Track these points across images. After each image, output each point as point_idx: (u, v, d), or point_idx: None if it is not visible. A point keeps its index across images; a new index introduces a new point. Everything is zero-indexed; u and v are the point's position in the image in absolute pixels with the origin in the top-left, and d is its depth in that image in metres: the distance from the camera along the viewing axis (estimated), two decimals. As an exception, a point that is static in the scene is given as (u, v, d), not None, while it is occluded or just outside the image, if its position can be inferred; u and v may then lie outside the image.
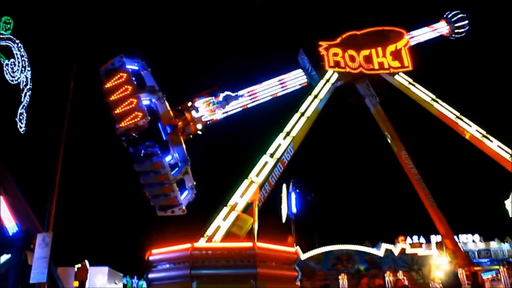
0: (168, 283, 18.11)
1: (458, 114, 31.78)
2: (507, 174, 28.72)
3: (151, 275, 19.01)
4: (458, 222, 32.19)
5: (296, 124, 28.70)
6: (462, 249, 32.66)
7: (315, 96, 30.57)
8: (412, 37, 34.68)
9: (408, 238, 37.74)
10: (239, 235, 22.36)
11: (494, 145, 29.88)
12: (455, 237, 33.87)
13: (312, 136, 31.46)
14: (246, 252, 17.81)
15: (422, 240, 42.22)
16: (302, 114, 29.29)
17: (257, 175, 25.54)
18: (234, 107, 27.45)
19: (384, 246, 32.55)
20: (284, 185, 24.96)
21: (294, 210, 23.67)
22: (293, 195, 23.93)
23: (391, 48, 33.43)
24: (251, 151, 30.64)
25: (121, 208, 46.49)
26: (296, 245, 24.30)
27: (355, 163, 45.88)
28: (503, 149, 29.67)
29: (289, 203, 23.83)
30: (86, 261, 23.66)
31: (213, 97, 25.34)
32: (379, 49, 33.32)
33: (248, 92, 28.15)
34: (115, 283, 26.59)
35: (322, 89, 31.35)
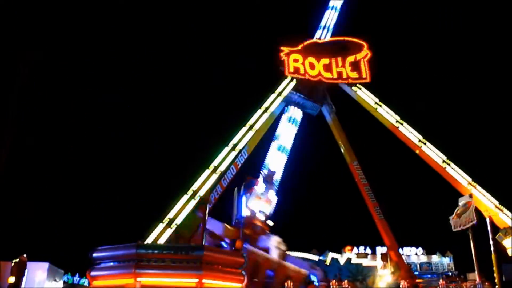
0: (111, 281, 17.55)
1: (421, 137, 32.01)
2: (452, 190, 29.55)
3: (93, 273, 18.37)
4: (403, 234, 32.87)
5: (252, 128, 28.64)
6: (405, 261, 33.39)
7: (271, 102, 30.69)
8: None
9: (355, 248, 38.26)
10: (186, 235, 21.99)
11: (440, 160, 30.61)
12: (400, 249, 34.58)
13: (266, 141, 31.54)
14: (193, 253, 17.49)
15: (368, 250, 42.94)
16: (257, 119, 29.30)
17: (209, 176, 25.26)
18: (274, 180, 30.60)
19: (331, 255, 32.89)
20: (236, 188, 24.75)
21: (244, 214, 23.49)
22: (243, 199, 23.75)
23: (350, 59, 33.88)
24: (205, 152, 30.32)
25: (64, 202, 45.03)
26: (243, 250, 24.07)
27: (307, 171, 46.18)
28: (449, 165, 30.42)
29: (239, 207, 23.63)
30: (25, 256, 22.64)
31: (254, 188, 28.49)
32: (339, 59, 33.73)
33: None
34: (55, 280, 25.53)
35: (279, 95, 31.47)
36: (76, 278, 38.59)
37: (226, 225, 26.03)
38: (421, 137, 31.40)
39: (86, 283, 31.57)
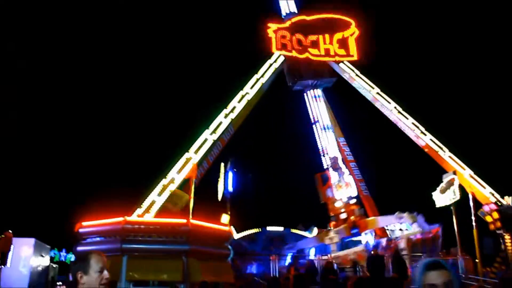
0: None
1: (396, 105, 32.31)
2: (436, 166, 29.91)
3: (80, 248, 18.37)
4: (387, 210, 33.21)
5: (239, 104, 28.58)
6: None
7: (259, 78, 30.52)
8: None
9: (340, 223, 38.60)
10: (173, 211, 22.05)
11: (427, 138, 30.88)
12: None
13: (254, 116, 31.50)
14: (179, 228, 17.56)
15: (353, 226, 43.48)
16: (244, 95, 29.18)
17: (196, 152, 25.27)
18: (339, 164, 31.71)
19: (316, 230, 33.23)
20: (222, 164, 24.81)
21: (230, 189, 23.59)
22: (230, 174, 23.83)
23: (338, 36, 33.78)
24: (191, 127, 30.26)
25: (50, 176, 44.78)
26: (230, 224, 24.27)
27: (294, 147, 46.35)
28: (434, 142, 30.72)
29: (225, 182, 23.74)
30: (10, 232, 22.57)
31: (330, 181, 30.76)
32: (327, 36, 33.61)
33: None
34: (42, 256, 25.53)
35: (267, 72, 31.33)
36: (63, 254, 38.67)
37: None
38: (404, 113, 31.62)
39: (73, 259, 31.66)
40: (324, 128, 34.45)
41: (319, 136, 34.60)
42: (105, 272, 3.28)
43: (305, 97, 36.05)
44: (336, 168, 31.90)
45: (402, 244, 26.75)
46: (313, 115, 35.36)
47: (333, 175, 31.58)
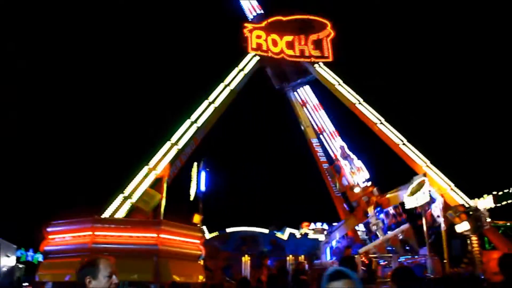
0: (66, 256, 17.25)
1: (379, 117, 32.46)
2: (407, 168, 30.33)
3: (48, 248, 18.03)
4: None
5: (213, 103, 28.47)
6: (360, 237, 34.19)
7: (234, 78, 30.48)
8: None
9: (312, 224, 38.86)
10: (145, 210, 21.81)
11: (397, 139, 31.22)
12: (356, 226, 35.39)
13: (228, 116, 31.42)
14: (151, 227, 17.39)
15: (326, 226, 43.72)
16: (218, 94, 29.11)
17: (168, 150, 25.06)
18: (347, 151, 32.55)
19: (289, 230, 33.30)
20: (195, 163, 24.63)
21: (203, 188, 23.43)
22: (203, 174, 23.67)
23: (313, 37, 33.94)
24: (165, 126, 29.99)
25: (17, 173, 43.75)
26: (202, 224, 24.12)
27: (268, 147, 46.40)
28: (406, 145, 31.11)
29: (198, 182, 23.56)
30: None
31: (343, 170, 31.77)
32: (302, 36, 33.73)
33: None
34: (7, 256, 24.92)
35: (242, 71, 31.30)
36: (30, 254, 37.84)
37: None
38: (379, 116, 31.94)
39: (40, 258, 30.98)
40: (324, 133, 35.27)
41: (317, 126, 35.39)
42: (114, 277, 3.27)
43: (293, 95, 36.68)
44: (345, 156, 32.58)
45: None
46: (305, 108, 36.10)
47: (344, 164, 32.22)
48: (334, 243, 31.58)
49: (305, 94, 36.61)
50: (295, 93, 36.63)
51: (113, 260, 3.44)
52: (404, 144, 30.86)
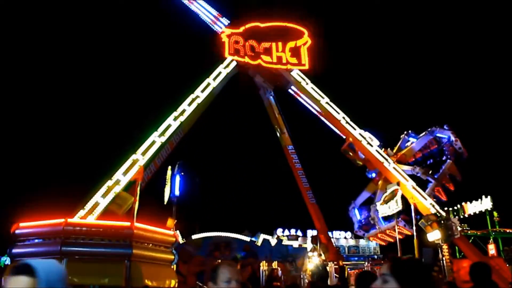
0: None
1: (344, 115, 32.83)
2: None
3: (16, 250, 17.58)
4: (332, 219, 33.87)
5: (189, 107, 28.30)
6: (334, 244, 34.38)
7: (211, 82, 30.37)
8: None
9: (286, 230, 39.04)
10: (117, 214, 21.47)
11: (373, 149, 31.57)
12: (329, 232, 35.62)
13: (203, 121, 31.30)
14: (123, 231, 17.13)
15: (299, 233, 43.89)
16: (195, 98, 28.94)
17: (143, 154, 24.78)
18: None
19: (262, 236, 33.31)
20: (170, 167, 24.40)
21: (177, 193, 23.21)
22: (177, 178, 23.46)
23: (291, 44, 34.03)
24: (139, 128, 29.71)
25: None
26: (175, 229, 23.87)
27: (243, 153, 46.42)
28: (380, 153, 31.47)
29: (172, 186, 23.33)
30: None
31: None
32: (280, 43, 33.79)
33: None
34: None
35: (219, 76, 31.21)
36: (-3, 256, 36.91)
37: None
38: (351, 123, 32.31)
39: (7, 261, 30.23)
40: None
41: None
42: (233, 282, 3.36)
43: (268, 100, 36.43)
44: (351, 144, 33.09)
45: None
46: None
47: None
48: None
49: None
50: (270, 97, 36.43)
51: (234, 265, 3.58)
52: (377, 151, 31.27)
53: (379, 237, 34.20)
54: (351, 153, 32.90)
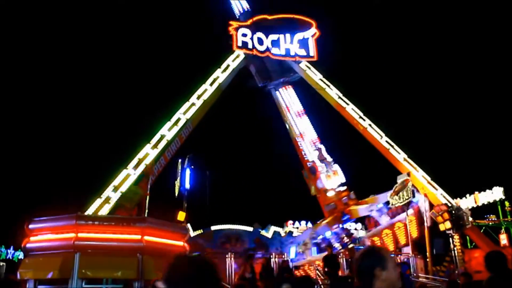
0: (49, 254, 16.98)
1: (353, 107, 32.69)
2: (391, 168, 30.57)
3: (30, 245, 17.72)
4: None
5: (198, 100, 28.39)
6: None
7: (219, 75, 30.43)
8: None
9: (296, 222, 38.98)
10: (128, 207, 21.64)
11: (383, 140, 31.43)
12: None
13: (213, 115, 31.38)
14: (134, 225, 17.22)
15: (310, 225, 43.89)
16: (203, 92, 29.02)
17: (153, 148, 24.91)
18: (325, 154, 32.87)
19: (273, 228, 33.37)
20: (180, 160, 24.52)
21: (187, 186, 23.33)
22: (187, 171, 23.57)
23: (299, 36, 33.99)
24: (149, 124, 29.83)
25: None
26: (186, 222, 24.02)
27: (253, 146, 46.42)
28: (390, 144, 31.32)
29: (182, 179, 23.45)
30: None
31: (319, 172, 31.56)
32: (288, 35, 33.77)
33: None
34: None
35: (227, 69, 31.25)
36: (10, 251, 37.36)
37: None
38: (362, 115, 32.18)
39: (21, 256, 30.56)
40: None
41: (299, 131, 34.91)
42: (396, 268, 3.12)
43: (277, 94, 36.29)
44: (322, 159, 32.63)
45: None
46: (288, 112, 35.68)
47: (320, 166, 32.21)
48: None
49: (288, 97, 36.30)
50: (277, 92, 36.43)
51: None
52: (387, 142, 31.15)
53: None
54: (310, 177, 32.70)
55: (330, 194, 31.96)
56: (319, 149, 33.27)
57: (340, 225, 30.73)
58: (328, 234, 30.43)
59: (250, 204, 42.57)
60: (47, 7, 56.46)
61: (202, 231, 31.80)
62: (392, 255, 25.79)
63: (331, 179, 31.85)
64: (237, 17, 35.79)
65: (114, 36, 64.98)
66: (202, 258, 2.76)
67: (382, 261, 3.07)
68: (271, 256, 23.53)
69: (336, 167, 32.36)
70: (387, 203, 28.14)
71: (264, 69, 35.31)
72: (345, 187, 32.27)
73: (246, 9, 35.85)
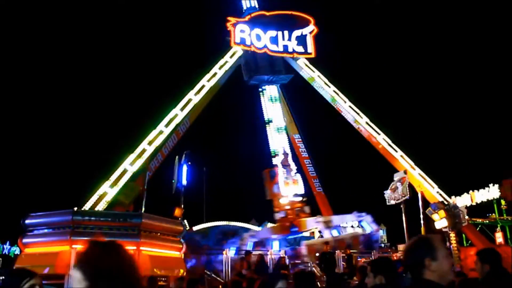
0: (45, 249, 16.95)
1: (351, 104, 32.72)
2: (389, 166, 30.62)
3: (26, 240, 17.68)
4: (340, 207, 33.83)
5: (195, 97, 28.34)
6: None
7: (217, 71, 30.38)
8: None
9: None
10: (125, 203, 21.62)
11: (380, 137, 31.46)
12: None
13: (210, 111, 31.34)
14: (131, 220, 17.21)
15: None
16: (201, 88, 28.97)
17: (150, 144, 24.87)
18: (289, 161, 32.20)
19: (269, 225, 33.38)
20: (177, 157, 24.47)
21: (184, 182, 23.28)
22: (184, 167, 23.51)
23: (297, 33, 33.86)
24: (146, 120, 29.78)
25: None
26: (183, 218, 23.99)
27: (249, 142, 46.41)
28: (387, 142, 31.36)
29: (179, 175, 23.40)
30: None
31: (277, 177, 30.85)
32: (286, 32, 33.64)
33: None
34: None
35: (225, 65, 31.18)
36: (7, 246, 37.33)
37: None
38: (360, 112, 32.21)
39: (17, 251, 30.52)
40: (277, 129, 34.07)
41: (271, 136, 34.21)
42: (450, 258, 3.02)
43: (260, 93, 35.74)
44: (285, 164, 31.95)
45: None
46: (267, 114, 35.00)
47: (281, 172, 31.56)
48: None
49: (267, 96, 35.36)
50: (260, 90, 35.94)
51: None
52: (384, 140, 31.19)
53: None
54: (267, 180, 32.03)
55: (283, 201, 31.21)
56: (285, 154, 32.64)
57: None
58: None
59: (246, 201, 42.62)
60: (47, 5, 56.27)
61: (198, 228, 31.81)
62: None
63: (288, 187, 31.06)
64: (244, 11, 35.21)
65: (113, 37, 64.83)
66: (115, 244, 2.74)
67: (432, 251, 2.98)
68: (267, 253, 23.53)
69: (297, 176, 31.63)
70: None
71: (252, 63, 34.32)
72: (300, 199, 31.49)
73: (252, 6, 35.39)
